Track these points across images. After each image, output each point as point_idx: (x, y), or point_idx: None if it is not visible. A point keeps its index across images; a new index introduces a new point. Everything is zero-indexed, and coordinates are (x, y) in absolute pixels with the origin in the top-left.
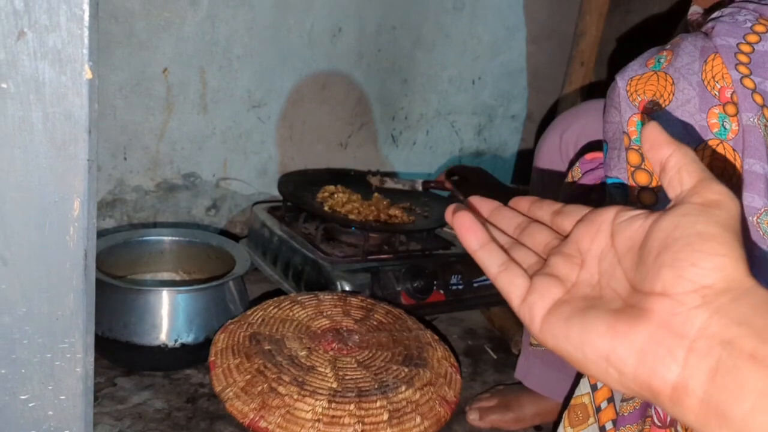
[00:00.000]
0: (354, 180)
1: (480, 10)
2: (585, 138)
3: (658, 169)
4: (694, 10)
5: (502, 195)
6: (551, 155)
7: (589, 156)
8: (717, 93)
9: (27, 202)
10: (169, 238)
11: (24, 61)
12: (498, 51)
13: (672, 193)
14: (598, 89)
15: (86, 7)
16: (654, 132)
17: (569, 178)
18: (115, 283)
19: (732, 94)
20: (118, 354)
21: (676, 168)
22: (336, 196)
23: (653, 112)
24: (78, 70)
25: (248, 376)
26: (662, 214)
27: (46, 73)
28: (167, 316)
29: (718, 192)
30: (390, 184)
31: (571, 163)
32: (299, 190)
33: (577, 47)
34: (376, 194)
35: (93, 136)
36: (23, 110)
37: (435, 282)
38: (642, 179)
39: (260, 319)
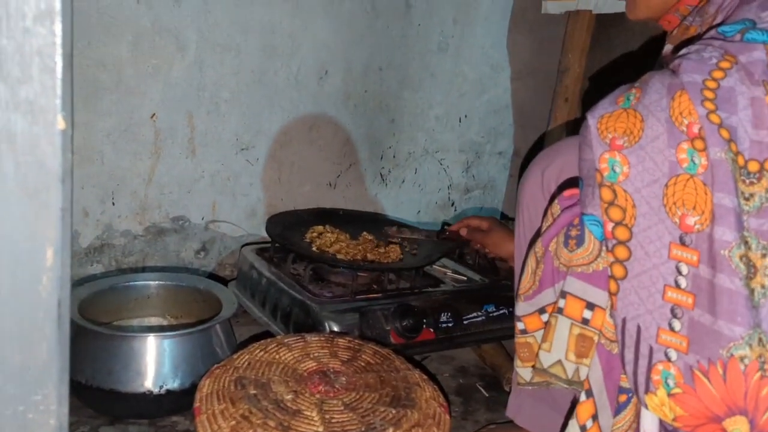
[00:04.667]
0: (343, 219)
1: (464, 50)
2: (566, 174)
3: None
4: (668, 48)
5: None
6: (533, 192)
7: (567, 193)
8: (685, 129)
9: None
10: (156, 282)
11: None
12: (483, 89)
13: None
14: (581, 124)
15: (59, 59)
16: None
17: (548, 215)
18: (98, 329)
19: (699, 129)
20: (103, 402)
21: None
22: (324, 235)
23: (624, 149)
24: (50, 120)
25: (233, 422)
26: None
27: (18, 124)
28: (153, 363)
29: None
30: (406, 233)
31: (551, 200)
32: (287, 231)
33: (561, 84)
34: (364, 233)
35: (66, 185)
36: None
37: (424, 320)
38: (615, 215)
39: (246, 363)
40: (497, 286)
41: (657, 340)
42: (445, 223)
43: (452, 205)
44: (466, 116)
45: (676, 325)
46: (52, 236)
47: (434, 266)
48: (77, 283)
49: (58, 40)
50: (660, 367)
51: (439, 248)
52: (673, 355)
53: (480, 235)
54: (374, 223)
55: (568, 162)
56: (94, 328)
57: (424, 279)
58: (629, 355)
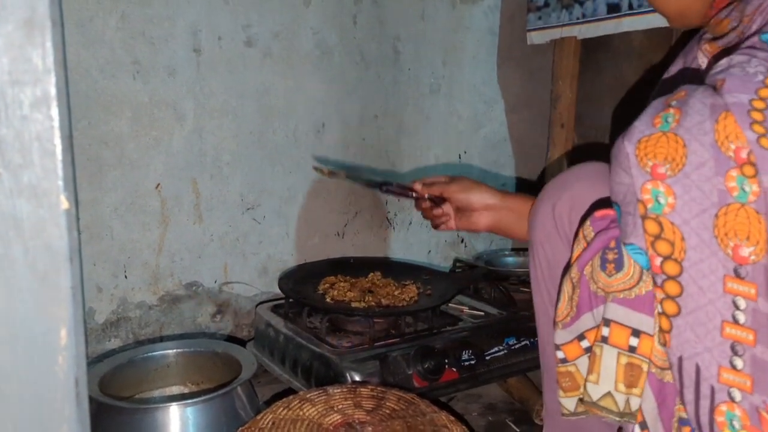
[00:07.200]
0: (354, 267)
1: (456, 90)
2: (578, 206)
3: None
4: (707, 38)
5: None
6: (546, 227)
7: (599, 213)
8: (732, 154)
9: (12, 336)
10: (174, 350)
11: (0, 200)
12: (479, 125)
13: None
14: (580, 150)
15: (58, 142)
16: None
17: (580, 238)
18: (119, 404)
19: (749, 154)
20: None
21: None
22: (337, 285)
23: (668, 178)
24: (54, 202)
25: None
26: None
27: (23, 209)
28: None
29: None
30: (341, 176)
31: (581, 221)
32: (300, 285)
33: (555, 111)
34: (372, 274)
35: (74, 263)
36: (3, 247)
37: (446, 360)
38: (663, 249)
39: (270, 423)
40: (516, 318)
41: (719, 380)
42: (456, 260)
43: (462, 241)
44: (465, 152)
45: (738, 363)
46: (64, 316)
47: (450, 304)
48: (96, 360)
49: (56, 124)
50: (723, 408)
51: (453, 286)
52: (737, 395)
53: (439, 187)
54: (386, 267)
55: (578, 195)
56: (115, 404)
57: (442, 318)
58: (689, 396)
